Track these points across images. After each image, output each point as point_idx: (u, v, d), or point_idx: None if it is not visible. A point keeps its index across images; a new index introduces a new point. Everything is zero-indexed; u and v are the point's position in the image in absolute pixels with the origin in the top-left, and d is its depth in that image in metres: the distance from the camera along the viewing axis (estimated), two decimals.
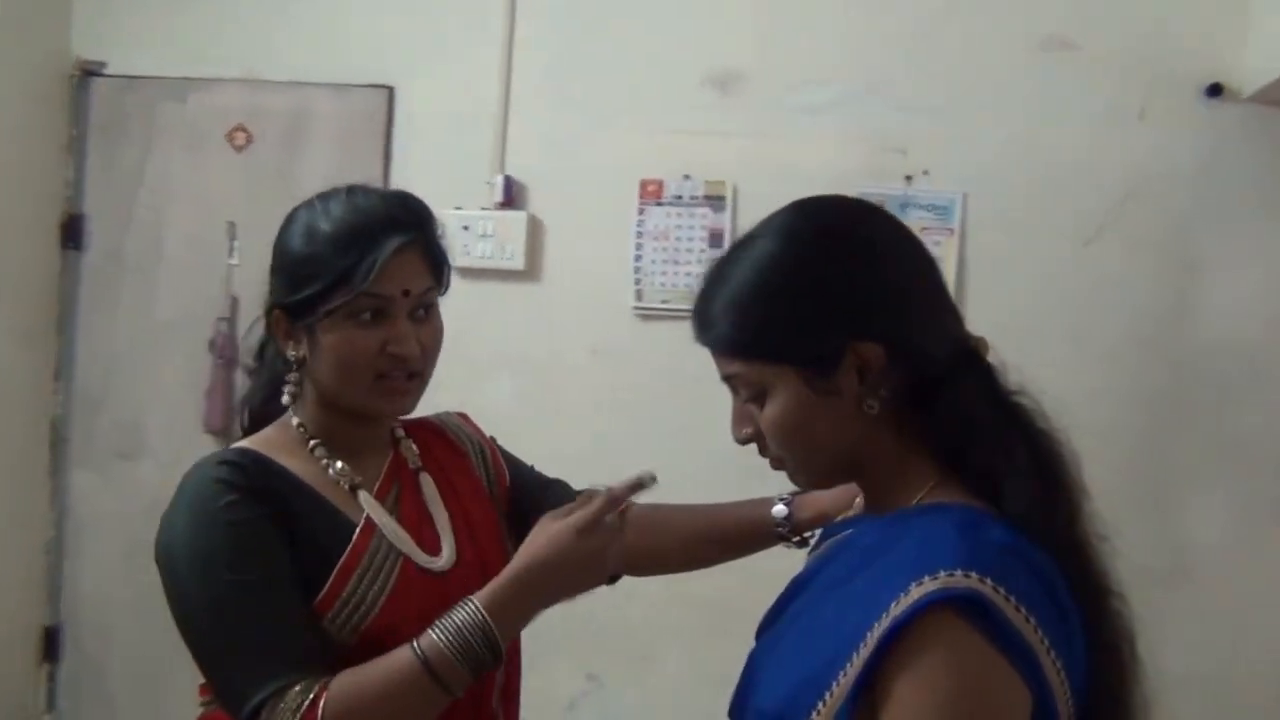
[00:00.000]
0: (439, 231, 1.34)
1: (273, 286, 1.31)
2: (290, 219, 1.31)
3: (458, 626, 1.15)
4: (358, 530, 1.28)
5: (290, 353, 1.31)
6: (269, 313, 1.32)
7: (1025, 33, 2.64)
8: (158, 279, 3.13)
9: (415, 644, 1.15)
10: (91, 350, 3.18)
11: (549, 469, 1.58)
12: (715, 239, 2.77)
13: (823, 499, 1.41)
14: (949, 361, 1.03)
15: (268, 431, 1.34)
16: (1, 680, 3.12)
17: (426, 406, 1.41)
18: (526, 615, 1.20)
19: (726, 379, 1.08)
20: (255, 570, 1.19)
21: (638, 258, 2.82)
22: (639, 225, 2.82)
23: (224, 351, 3.07)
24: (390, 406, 1.33)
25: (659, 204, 2.81)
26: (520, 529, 1.43)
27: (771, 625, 1.12)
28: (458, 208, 2.85)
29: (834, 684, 0.93)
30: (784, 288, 1.03)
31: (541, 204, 2.89)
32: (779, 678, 1.01)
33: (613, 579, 1.42)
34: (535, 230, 2.88)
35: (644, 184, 2.82)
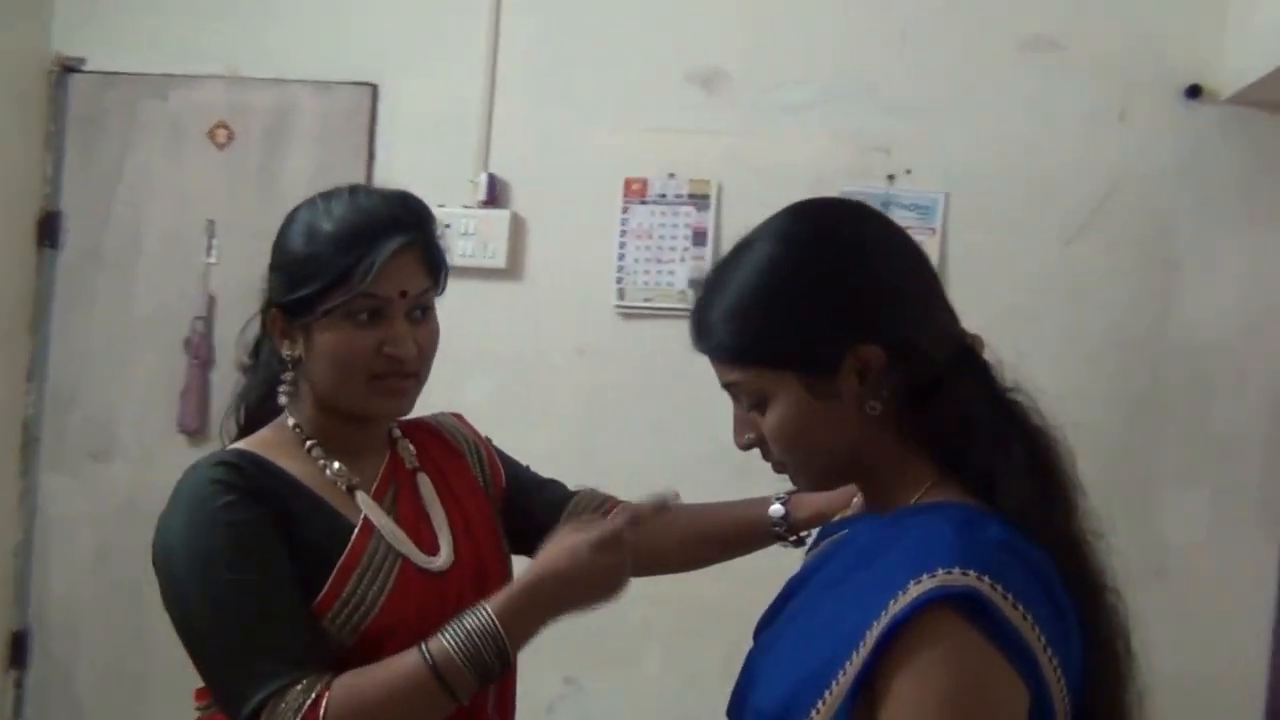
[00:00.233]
0: (439, 232, 1.33)
1: (271, 285, 1.30)
2: (291, 218, 1.30)
3: (469, 632, 1.14)
4: (356, 531, 1.27)
5: (286, 352, 1.30)
6: (265, 311, 1.32)
7: (1007, 34, 2.66)
8: (135, 277, 3.09)
9: (423, 647, 1.14)
10: (66, 349, 3.13)
11: (532, 468, 1.58)
12: (699, 237, 2.77)
13: (819, 499, 1.41)
14: (947, 360, 1.03)
15: (264, 432, 1.33)
16: None
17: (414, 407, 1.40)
18: (538, 626, 1.19)
19: (727, 386, 1.08)
20: (255, 570, 1.18)
21: (621, 256, 2.81)
22: (622, 223, 2.81)
23: (200, 351, 3.02)
24: (386, 407, 1.32)
25: (643, 202, 2.81)
26: (516, 528, 1.44)
27: (769, 625, 1.12)
28: (440, 205, 2.81)
29: (833, 683, 0.93)
30: (783, 293, 1.03)
31: (525, 202, 2.88)
32: (778, 677, 1.01)
33: None
34: (518, 229, 2.88)
35: (628, 182, 2.82)
